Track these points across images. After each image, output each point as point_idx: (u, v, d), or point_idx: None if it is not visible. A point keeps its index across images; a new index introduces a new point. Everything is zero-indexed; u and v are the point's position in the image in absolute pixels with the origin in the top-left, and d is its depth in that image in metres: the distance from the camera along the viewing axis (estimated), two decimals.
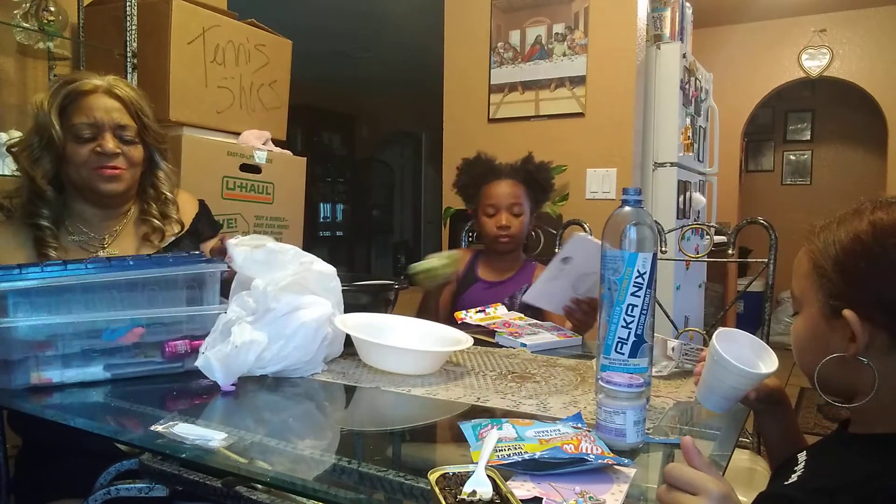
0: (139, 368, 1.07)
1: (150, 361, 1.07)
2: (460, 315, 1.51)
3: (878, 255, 0.73)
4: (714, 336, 0.90)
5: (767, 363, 0.92)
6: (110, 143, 1.29)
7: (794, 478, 0.77)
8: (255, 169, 2.02)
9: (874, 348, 0.72)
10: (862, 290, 0.73)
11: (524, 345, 1.36)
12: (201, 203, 1.57)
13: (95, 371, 1.03)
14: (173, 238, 1.44)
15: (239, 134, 2.04)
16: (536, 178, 1.88)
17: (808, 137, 6.11)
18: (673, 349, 1.16)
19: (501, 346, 1.39)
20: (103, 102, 1.31)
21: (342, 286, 1.22)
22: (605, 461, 0.72)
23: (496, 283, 1.88)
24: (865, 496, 0.66)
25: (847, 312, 0.73)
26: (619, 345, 0.91)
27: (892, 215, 0.74)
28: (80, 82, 1.31)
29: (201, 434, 0.79)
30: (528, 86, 3.03)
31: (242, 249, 1.13)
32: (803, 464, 0.79)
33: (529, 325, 1.52)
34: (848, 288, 0.74)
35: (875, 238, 0.73)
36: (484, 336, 1.43)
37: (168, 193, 1.44)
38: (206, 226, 1.54)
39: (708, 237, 2.00)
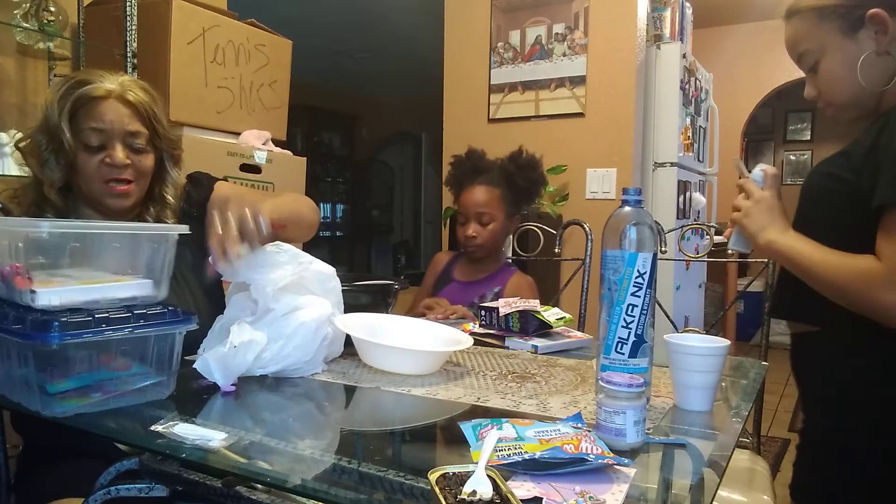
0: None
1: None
2: (468, 327, 1.50)
3: None
4: (665, 337, 0.96)
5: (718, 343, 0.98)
6: (120, 154, 1.27)
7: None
8: (255, 169, 2.02)
9: None
10: None
11: (535, 346, 1.35)
12: (189, 177, 1.47)
13: None
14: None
15: (239, 134, 2.04)
16: (515, 181, 1.86)
17: (808, 137, 6.12)
18: None
19: (510, 349, 1.37)
20: (115, 108, 1.27)
21: (342, 286, 1.22)
22: (605, 461, 0.72)
23: (469, 284, 1.92)
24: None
25: (873, 11, 0.91)
26: (619, 345, 0.91)
27: None
28: (91, 86, 1.26)
29: (201, 434, 0.79)
30: (528, 86, 3.03)
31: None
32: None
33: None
34: None
35: None
36: (493, 341, 1.42)
37: (171, 199, 1.41)
38: (199, 191, 1.45)
39: (708, 237, 2.00)
